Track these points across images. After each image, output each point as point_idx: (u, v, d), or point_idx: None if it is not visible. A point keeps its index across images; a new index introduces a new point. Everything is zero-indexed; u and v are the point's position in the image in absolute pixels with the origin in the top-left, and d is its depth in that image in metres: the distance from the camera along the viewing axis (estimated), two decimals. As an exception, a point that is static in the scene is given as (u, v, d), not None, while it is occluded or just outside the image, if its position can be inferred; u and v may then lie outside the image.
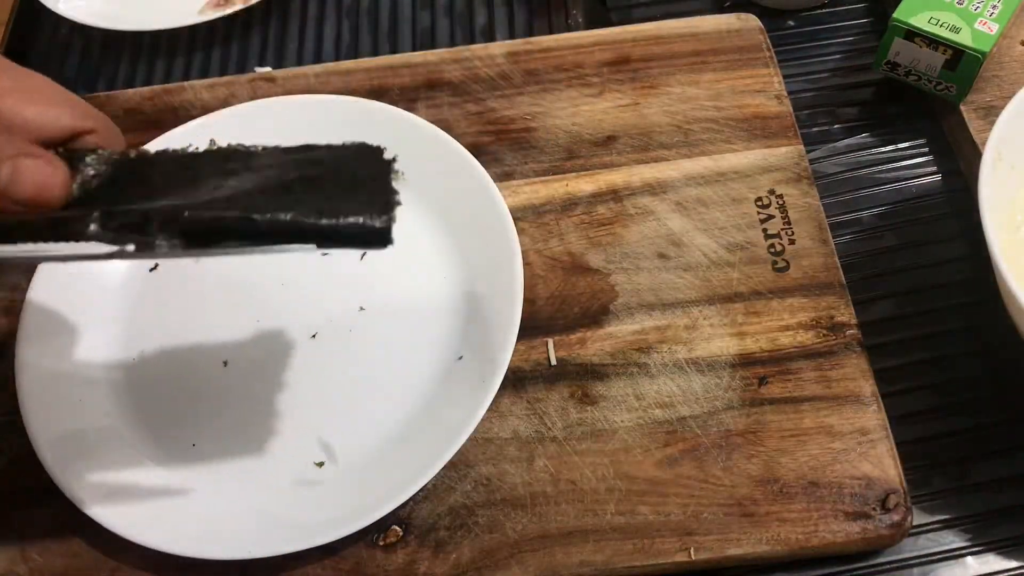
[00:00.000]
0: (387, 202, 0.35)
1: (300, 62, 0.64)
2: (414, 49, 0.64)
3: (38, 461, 0.44)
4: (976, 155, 0.49)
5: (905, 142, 0.56)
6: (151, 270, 0.52)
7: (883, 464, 0.44)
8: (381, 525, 0.43)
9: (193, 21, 0.63)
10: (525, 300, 0.47)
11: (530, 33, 0.64)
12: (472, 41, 0.64)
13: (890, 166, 0.55)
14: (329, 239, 0.34)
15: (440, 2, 0.66)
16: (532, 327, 0.49)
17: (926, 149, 0.56)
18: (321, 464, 0.46)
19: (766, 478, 0.44)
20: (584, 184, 0.53)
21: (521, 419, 0.46)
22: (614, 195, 0.53)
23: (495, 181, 0.51)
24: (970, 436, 0.46)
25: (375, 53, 0.64)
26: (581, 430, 0.46)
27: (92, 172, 0.36)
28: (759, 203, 0.52)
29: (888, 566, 0.43)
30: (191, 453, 0.46)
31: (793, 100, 0.56)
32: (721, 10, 0.63)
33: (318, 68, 0.58)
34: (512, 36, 0.64)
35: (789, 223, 0.51)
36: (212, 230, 0.34)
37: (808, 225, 0.51)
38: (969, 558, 0.43)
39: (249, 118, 0.54)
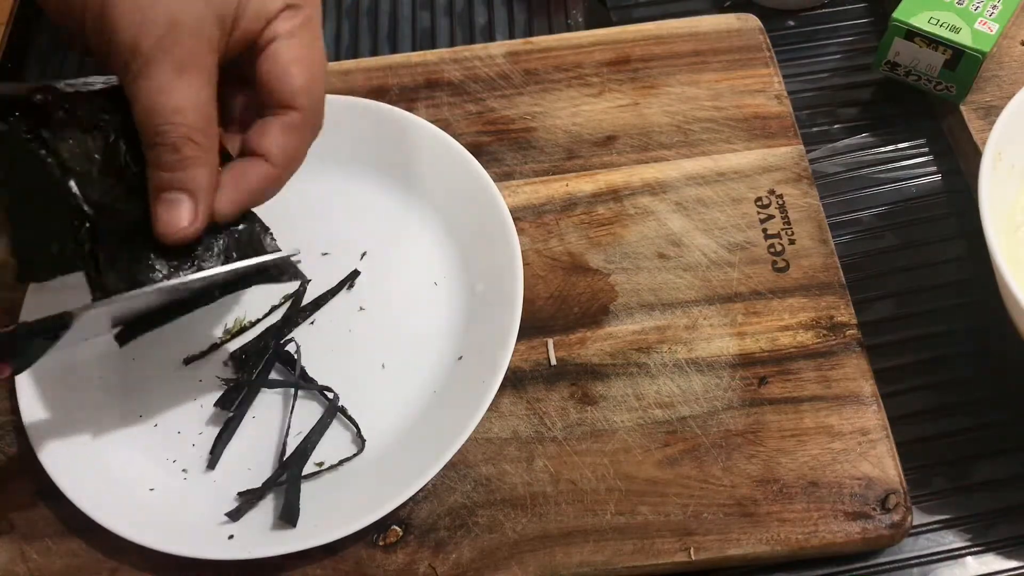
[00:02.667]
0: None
1: (300, 62, 0.64)
2: (414, 49, 0.64)
3: (38, 461, 0.44)
4: (976, 155, 0.49)
5: (905, 142, 0.56)
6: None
7: (883, 464, 0.44)
8: (381, 525, 0.43)
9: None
10: (525, 300, 0.47)
11: (530, 33, 0.64)
12: (472, 41, 0.64)
13: (890, 166, 0.55)
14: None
15: (440, 2, 0.66)
16: (532, 327, 0.49)
17: (926, 149, 0.56)
18: (320, 464, 0.45)
19: (766, 478, 0.44)
20: (584, 184, 0.53)
21: (521, 419, 0.46)
22: (614, 195, 0.53)
23: (495, 181, 0.51)
24: (970, 436, 0.46)
25: (375, 53, 0.64)
26: (581, 430, 0.46)
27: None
28: (759, 203, 0.52)
29: (888, 566, 0.43)
30: (191, 453, 0.46)
31: (793, 100, 0.56)
32: (721, 10, 0.63)
33: (318, 68, 0.58)
34: (512, 36, 0.64)
35: (789, 223, 0.51)
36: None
37: (808, 225, 0.51)
38: (969, 558, 0.43)
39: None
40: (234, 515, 0.44)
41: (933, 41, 0.53)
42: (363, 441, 0.46)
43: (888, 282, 0.51)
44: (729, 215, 0.51)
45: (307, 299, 0.50)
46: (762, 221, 0.51)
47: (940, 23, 0.53)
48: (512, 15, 0.65)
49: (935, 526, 0.44)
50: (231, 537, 0.43)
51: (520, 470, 0.45)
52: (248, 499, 0.44)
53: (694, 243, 0.51)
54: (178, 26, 0.36)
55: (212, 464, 0.46)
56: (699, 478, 0.44)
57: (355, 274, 0.51)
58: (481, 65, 0.58)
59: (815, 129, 0.57)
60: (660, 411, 0.46)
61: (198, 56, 0.37)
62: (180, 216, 0.37)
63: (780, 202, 0.52)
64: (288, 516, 0.43)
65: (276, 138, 0.39)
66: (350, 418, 0.46)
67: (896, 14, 0.54)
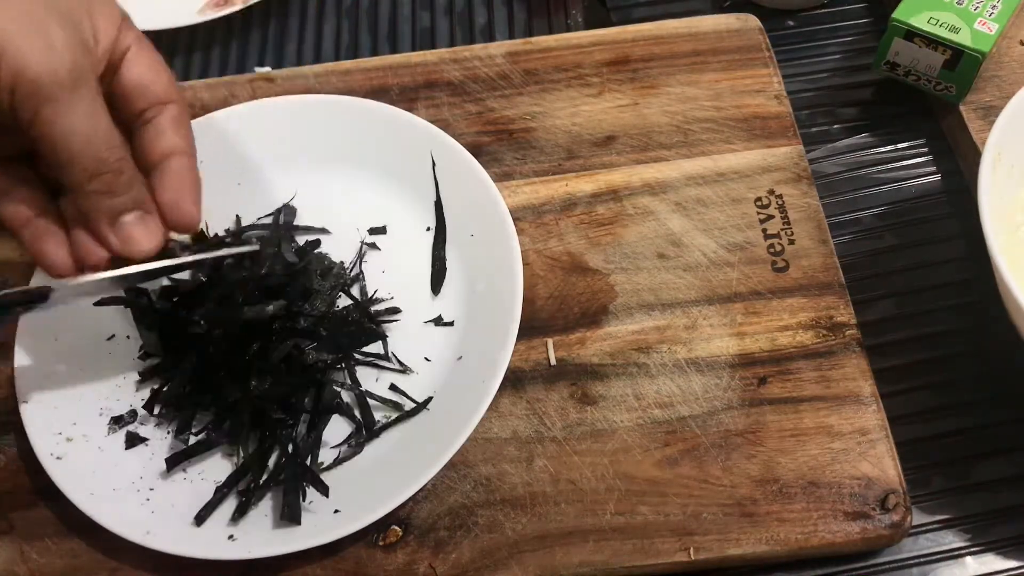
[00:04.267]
0: None
1: (300, 62, 0.64)
2: (414, 49, 0.64)
3: (38, 461, 0.44)
4: (976, 155, 0.49)
5: (905, 142, 0.56)
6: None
7: (883, 464, 0.44)
8: (381, 525, 0.43)
9: (193, 21, 0.63)
10: (525, 300, 0.47)
11: (529, 33, 0.64)
12: (472, 41, 0.64)
13: (890, 166, 0.55)
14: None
15: (440, 2, 0.66)
16: (532, 327, 0.49)
17: (926, 149, 0.56)
18: (321, 464, 0.45)
19: (766, 478, 0.44)
20: (584, 184, 0.53)
21: (521, 419, 0.46)
22: (614, 195, 0.53)
23: (495, 181, 0.51)
24: (970, 436, 0.46)
25: (375, 53, 0.64)
26: (581, 430, 0.46)
27: None
28: (759, 203, 0.52)
29: (888, 566, 0.43)
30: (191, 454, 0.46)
31: (793, 100, 0.56)
32: (721, 10, 0.63)
33: (318, 68, 0.58)
34: (511, 36, 0.64)
35: (789, 223, 0.51)
36: None
37: (808, 225, 0.51)
38: (969, 558, 0.43)
39: (248, 118, 0.54)
40: (234, 515, 0.44)
41: (933, 41, 0.53)
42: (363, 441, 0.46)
43: (888, 282, 0.51)
44: (729, 215, 0.51)
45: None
46: (762, 221, 0.51)
47: (940, 23, 0.53)
48: (512, 15, 0.65)
49: (935, 526, 0.44)
50: (231, 537, 0.43)
51: (520, 470, 0.45)
52: (248, 499, 0.44)
53: (694, 243, 0.51)
54: (79, 50, 0.36)
55: (180, 432, 0.46)
56: (699, 478, 0.44)
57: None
58: (481, 65, 0.58)
59: (815, 129, 0.57)
60: (660, 411, 0.46)
61: (93, 77, 0.37)
62: (154, 229, 0.40)
63: (780, 202, 0.52)
64: (291, 515, 0.43)
65: (177, 131, 0.41)
66: (351, 415, 0.46)
67: (896, 14, 0.54)
